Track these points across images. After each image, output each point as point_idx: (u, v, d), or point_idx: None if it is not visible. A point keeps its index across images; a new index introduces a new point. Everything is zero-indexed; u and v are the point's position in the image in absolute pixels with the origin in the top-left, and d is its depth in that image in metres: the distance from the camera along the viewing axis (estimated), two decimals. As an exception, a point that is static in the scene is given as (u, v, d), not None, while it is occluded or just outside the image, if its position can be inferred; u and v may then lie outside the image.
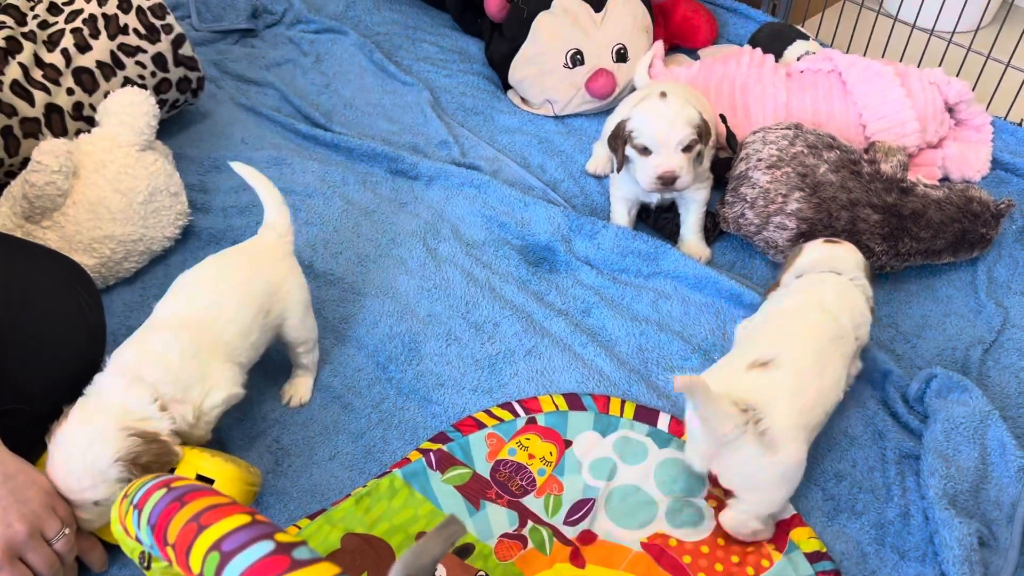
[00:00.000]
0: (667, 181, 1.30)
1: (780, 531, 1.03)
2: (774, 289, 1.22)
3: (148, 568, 0.73)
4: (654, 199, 1.43)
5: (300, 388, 1.20)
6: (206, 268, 1.11)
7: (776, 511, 1.03)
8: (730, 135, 1.49)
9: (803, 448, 0.99)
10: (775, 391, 0.99)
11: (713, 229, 1.48)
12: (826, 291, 1.13)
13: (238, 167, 1.18)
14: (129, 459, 0.90)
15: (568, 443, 1.14)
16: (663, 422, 1.16)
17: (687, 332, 1.31)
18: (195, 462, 0.96)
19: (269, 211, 1.18)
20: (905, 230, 1.33)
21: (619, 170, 1.37)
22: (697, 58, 1.85)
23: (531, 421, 1.17)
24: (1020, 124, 1.75)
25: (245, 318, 1.07)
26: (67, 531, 0.89)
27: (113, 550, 0.97)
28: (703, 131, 1.31)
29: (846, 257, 1.19)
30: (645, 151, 1.30)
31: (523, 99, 1.80)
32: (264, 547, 0.54)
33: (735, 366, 1.05)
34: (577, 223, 1.45)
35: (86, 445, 0.90)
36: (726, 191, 1.42)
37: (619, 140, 1.33)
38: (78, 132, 1.38)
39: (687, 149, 1.29)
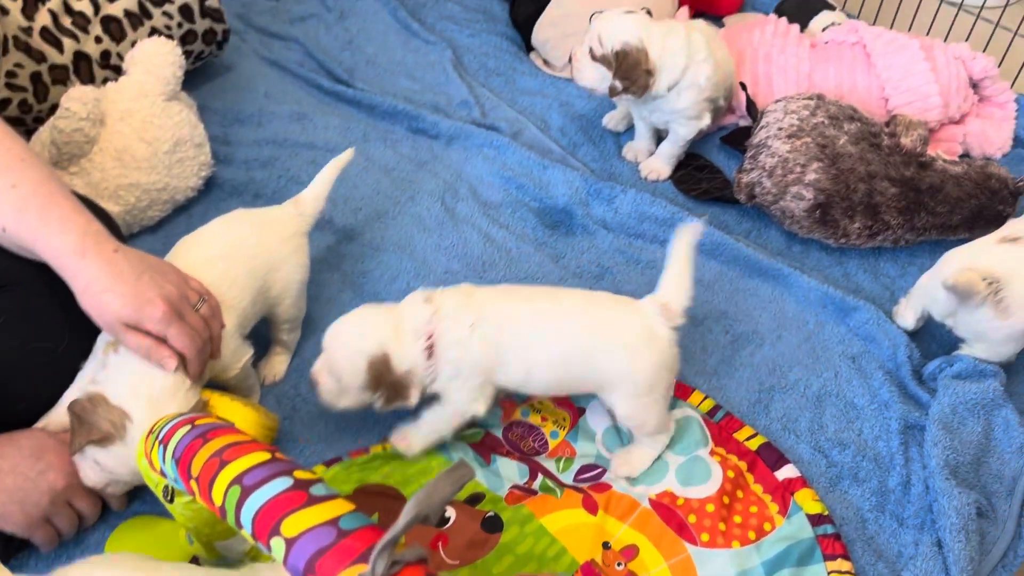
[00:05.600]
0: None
1: (783, 492, 1.05)
2: None
3: (171, 501, 0.76)
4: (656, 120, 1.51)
5: (277, 366, 1.19)
6: (213, 236, 1.09)
7: (1003, 361, 1.18)
8: (750, 103, 1.49)
9: None
10: (1018, 264, 1.10)
11: (716, 192, 1.49)
12: None
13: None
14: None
15: (581, 410, 1.15)
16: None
17: (700, 298, 1.32)
18: (215, 405, 0.99)
19: (308, 190, 1.18)
20: (922, 204, 1.33)
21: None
22: (722, 25, 1.84)
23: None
24: (1045, 102, 1.73)
25: (251, 292, 1.07)
26: (206, 299, 0.96)
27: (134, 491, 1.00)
28: (618, 62, 1.37)
29: None
30: None
31: (545, 61, 1.80)
32: (283, 483, 0.57)
33: (987, 241, 1.17)
34: (595, 187, 1.46)
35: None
36: (744, 158, 1.42)
37: None
38: (105, 80, 1.40)
39: (593, 55, 1.39)
